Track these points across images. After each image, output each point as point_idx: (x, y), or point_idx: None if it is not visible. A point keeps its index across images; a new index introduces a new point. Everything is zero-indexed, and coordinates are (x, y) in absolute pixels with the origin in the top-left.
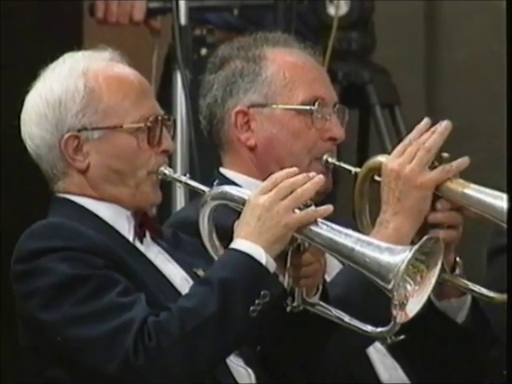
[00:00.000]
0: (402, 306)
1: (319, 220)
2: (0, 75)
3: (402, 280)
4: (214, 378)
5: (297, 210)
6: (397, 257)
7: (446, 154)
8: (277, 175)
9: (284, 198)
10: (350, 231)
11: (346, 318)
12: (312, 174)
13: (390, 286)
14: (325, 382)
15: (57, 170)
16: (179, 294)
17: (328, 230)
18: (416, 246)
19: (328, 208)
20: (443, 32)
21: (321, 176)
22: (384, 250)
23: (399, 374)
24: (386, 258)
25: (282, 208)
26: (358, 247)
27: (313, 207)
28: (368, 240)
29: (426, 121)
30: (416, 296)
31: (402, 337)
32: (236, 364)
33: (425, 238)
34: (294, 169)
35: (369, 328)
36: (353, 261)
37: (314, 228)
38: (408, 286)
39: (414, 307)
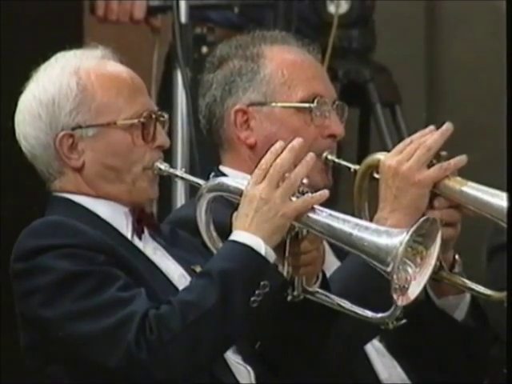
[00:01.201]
0: (403, 289)
1: (316, 207)
2: (0, 75)
3: (401, 262)
4: (214, 377)
5: (293, 198)
6: (394, 239)
7: (444, 153)
8: (265, 159)
9: (278, 185)
10: (347, 217)
11: (347, 305)
12: (310, 155)
13: (389, 269)
14: (325, 379)
15: (52, 170)
16: (177, 290)
17: (325, 217)
18: (413, 228)
19: (324, 193)
20: (443, 31)
21: (311, 154)
22: (382, 233)
23: (398, 372)
24: (383, 241)
25: (279, 198)
26: (355, 232)
27: (309, 194)
28: (366, 224)
29: (430, 128)
30: (418, 277)
31: (403, 321)
32: (235, 361)
33: (422, 219)
34: (280, 143)
35: (370, 314)
36: (351, 246)
37: (311, 215)
38: (409, 269)
39: (415, 289)
